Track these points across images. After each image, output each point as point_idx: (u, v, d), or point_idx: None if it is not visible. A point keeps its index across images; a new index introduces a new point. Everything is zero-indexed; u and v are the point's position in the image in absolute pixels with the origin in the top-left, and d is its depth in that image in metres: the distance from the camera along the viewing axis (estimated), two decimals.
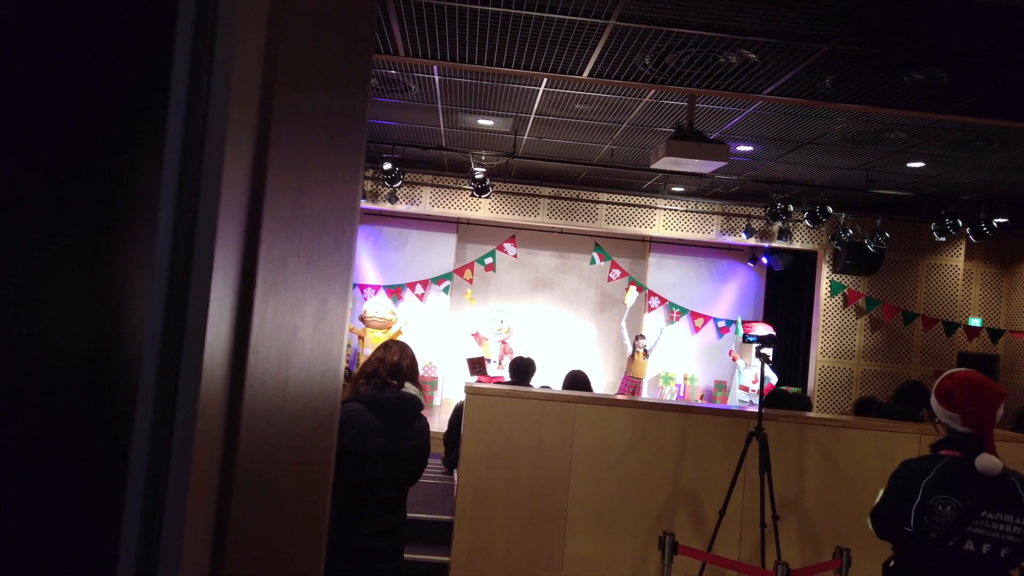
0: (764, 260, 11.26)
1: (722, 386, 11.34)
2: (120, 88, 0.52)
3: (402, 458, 2.92)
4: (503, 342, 11.01)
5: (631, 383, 10.39)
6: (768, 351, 4.17)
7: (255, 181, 0.60)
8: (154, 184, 0.51)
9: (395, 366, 2.95)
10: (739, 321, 11.25)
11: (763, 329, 4.14)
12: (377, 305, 10.30)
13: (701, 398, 11.21)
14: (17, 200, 0.50)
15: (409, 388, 2.97)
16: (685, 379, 11.27)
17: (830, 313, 10.48)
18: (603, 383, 11.07)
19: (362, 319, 10.24)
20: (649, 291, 11.41)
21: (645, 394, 11.07)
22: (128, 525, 0.49)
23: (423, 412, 3.07)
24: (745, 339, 4.55)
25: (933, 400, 2.55)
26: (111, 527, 0.49)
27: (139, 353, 0.50)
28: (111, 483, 0.49)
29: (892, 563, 2.52)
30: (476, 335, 11.06)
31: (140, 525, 0.49)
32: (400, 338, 9.31)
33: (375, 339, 9.82)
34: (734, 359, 10.81)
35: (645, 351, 10.53)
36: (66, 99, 0.51)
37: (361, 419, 2.83)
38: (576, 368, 5.45)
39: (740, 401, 10.55)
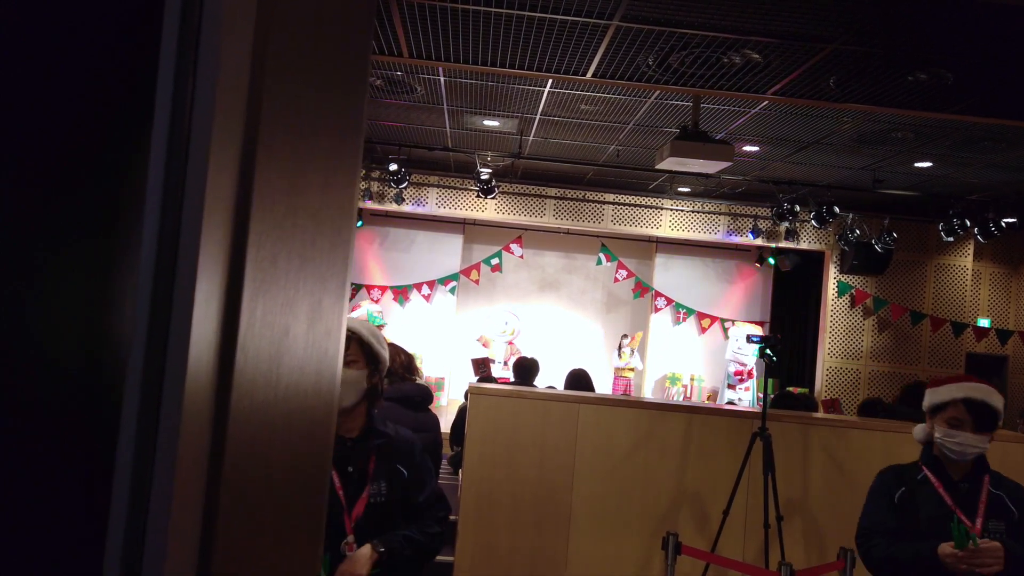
0: (771, 260, 11.24)
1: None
2: (104, 85, 0.53)
3: (427, 449, 2.96)
4: (510, 343, 11.02)
5: (621, 382, 10.60)
6: (764, 345, 4.16)
7: (243, 181, 0.61)
8: (139, 183, 0.52)
9: (405, 364, 2.99)
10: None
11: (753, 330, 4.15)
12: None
13: (709, 399, 11.19)
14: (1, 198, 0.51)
15: (419, 381, 3.01)
16: (692, 380, 11.26)
17: (837, 314, 10.44)
18: (609, 383, 11.07)
19: None
20: (656, 291, 11.40)
21: (649, 395, 11.07)
22: (113, 525, 0.50)
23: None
24: (748, 339, 4.55)
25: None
26: (96, 527, 0.50)
27: (124, 350, 0.51)
28: (96, 483, 0.50)
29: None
30: (481, 338, 11.05)
31: (125, 525, 0.50)
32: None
33: None
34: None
35: (632, 351, 10.71)
36: (51, 96, 0.52)
37: (389, 413, 2.84)
38: (578, 367, 5.45)
39: (729, 400, 10.69)
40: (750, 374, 10.72)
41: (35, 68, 0.52)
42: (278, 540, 0.84)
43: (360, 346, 2.29)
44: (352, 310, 8.89)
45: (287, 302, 0.77)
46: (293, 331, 0.81)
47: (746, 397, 10.69)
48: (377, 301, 10.72)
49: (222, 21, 0.55)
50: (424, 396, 2.98)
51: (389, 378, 2.95)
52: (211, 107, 0.55)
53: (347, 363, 2.28)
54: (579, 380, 5.19)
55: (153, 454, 0.51)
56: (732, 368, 10.83)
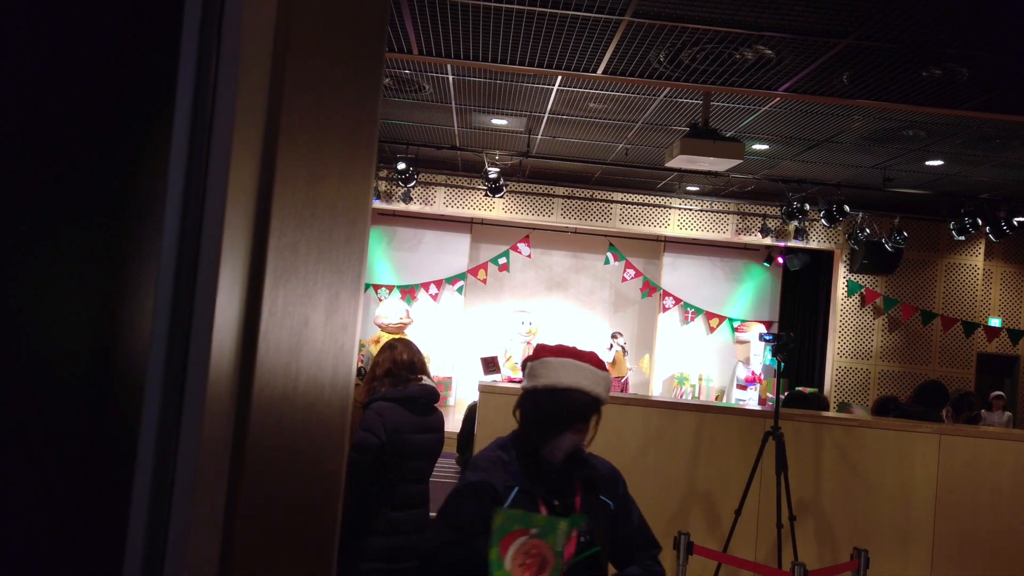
0: (780, 260, 11.19)
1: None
2: (128, 75, 0.51)
3: (432, 451, 2.94)
4: (528, 343, 10.98)
5: (617, 384, 10.52)
6: (775, 343, 4.12)
7: (264, 169, 0.60)
8: (162, 170, 0.50)
9: (408, 363, 2.95)
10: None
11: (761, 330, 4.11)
12: (391, 308, 10.05)
13: (717, 398, 11.15)
14: (23, 184, 0.49)
15: (426, 381, 2.98)
16: (700, 379, 11.22)
17: (847, 313, 10.38)
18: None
19: (377, 324, 9.99)
20: (664, 291, 11.37)
21: (657, 395, 11.04)
22: (135, 520, 0.48)
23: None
24: (760, 338, 4.53)
25: None
26: (117, 522, 0.48)
27: (147, 339, 0.49)
28: (117, 476, 0.48)
29: None
30: (506, 352, 10.87)
31: (147, 519, 0.48)
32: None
33: None
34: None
35: (623, 349, 10.62)
36: (74, 83, 0.51)
37: (392, 415, 2.82)
38: None
39: (738, 400, 10.62)
40: (760, 379, 10.68)
41: (52, 55, 0.50)
42: (295, 537, 0.82)
43: (598, 413, 2.04)
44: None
45: (307, 292, 0.76)
46: (312, 322, 0.79)
47: (753, 396, 10.65)
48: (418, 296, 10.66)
49: (244, 5, 0.53)
50: (429, 397, 2.95)
51: (391, 379, 2.91)
52: (233, 91, 0.53)
53: (576, 430, 2.02)
54: None
55: (176, 447, 0.49)
56: (745, 373, 10.77)
